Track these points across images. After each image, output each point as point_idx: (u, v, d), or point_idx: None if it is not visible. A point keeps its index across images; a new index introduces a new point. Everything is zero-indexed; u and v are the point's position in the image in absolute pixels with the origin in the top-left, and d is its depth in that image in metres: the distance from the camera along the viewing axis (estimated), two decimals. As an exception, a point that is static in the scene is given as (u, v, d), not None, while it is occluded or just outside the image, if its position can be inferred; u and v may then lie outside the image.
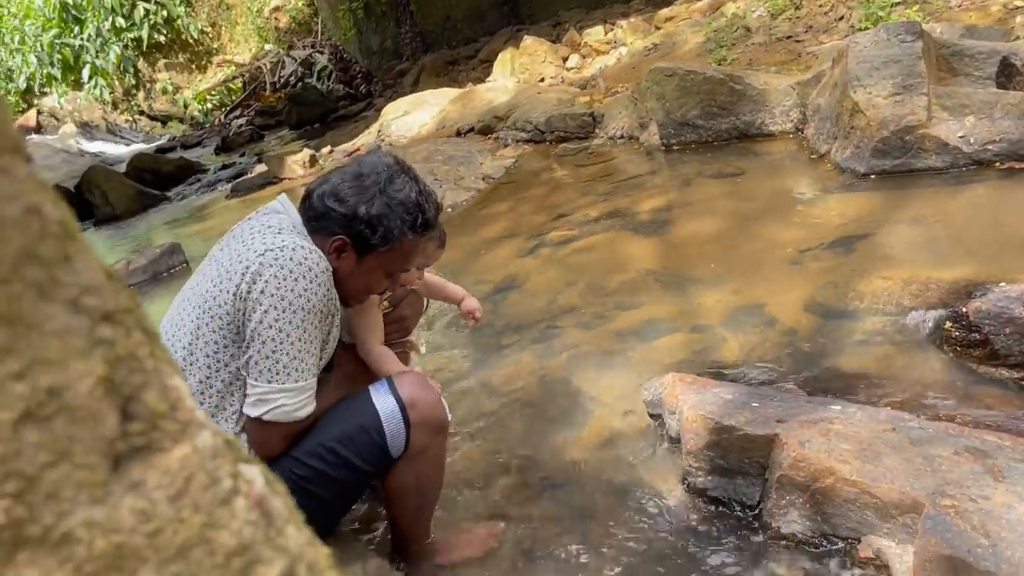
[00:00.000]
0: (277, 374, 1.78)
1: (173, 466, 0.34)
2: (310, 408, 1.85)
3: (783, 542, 1.89)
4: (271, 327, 1.75)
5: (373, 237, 1.88)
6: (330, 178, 1.94)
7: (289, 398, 1.80)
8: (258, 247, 1.79)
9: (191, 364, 1.83)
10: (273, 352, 1.77)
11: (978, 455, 1.75)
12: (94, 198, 9.93)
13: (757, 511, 2.00)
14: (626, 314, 3.35)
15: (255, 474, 0.36)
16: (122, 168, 11.61)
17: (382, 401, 1.91)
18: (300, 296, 1.76)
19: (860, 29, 5.60)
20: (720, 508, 2.07)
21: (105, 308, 0.31)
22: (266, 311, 1.75)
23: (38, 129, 21.45)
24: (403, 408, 1.89)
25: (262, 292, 1.75)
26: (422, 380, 1.98)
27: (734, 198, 4.37)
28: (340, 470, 1.88)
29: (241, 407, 1.85)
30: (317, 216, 1.90)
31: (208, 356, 1.82)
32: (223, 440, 0.36)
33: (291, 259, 1.76)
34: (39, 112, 22.14)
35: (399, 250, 1.92)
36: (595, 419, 2.67)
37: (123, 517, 0.32)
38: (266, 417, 1.80)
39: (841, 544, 1.80)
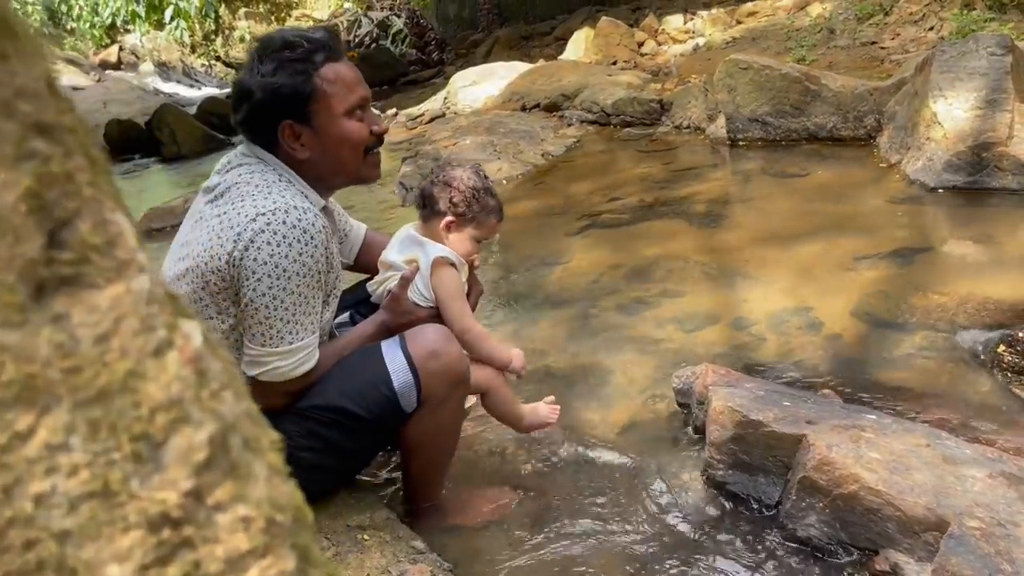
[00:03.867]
0: (271, 339, 1.76)
1: (102, 305, 0.31)
2: (308, 364, 1.83)
3: (797, 545, 1.83)
4: (264, 295, 1.71)
5: (291, 95, 1.78)
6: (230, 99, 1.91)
7: (282, 360, 1.78)
8: (249, 211, 1.72)
9: None
10: (267, 318, 1.73)
11: (1014, 481, 1.66)
12: (162, 135, 10.13)
13: (774, 511, 1.94)
14: (668, 302, 3.29)
15: (194, 330, 0.33)
16: (193, 110, 11.81)
17: (391, 356, 1.88)
18: (295, 262, 1.71)
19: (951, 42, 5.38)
20: (737, 504, 2.02)
21: (41, 119, 0.29)
22: (259, 279, 1.70)
23: (118, 65, 21.96)
24: (411, 362, 1.85)
25: (255, 260, 1.69)
26: (443, 333, 1.94)
27: (794, 199, 4.26)
28: (352, 422, 1.87)
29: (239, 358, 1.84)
30: (253, 131, 1.84)
31: (213, 319, 1.79)
32: (164, 291, 0.33)
33: (284, 223, 1.70)
34: (120, 48, 22.66)
35: (329, 86, 1.81)
36: (623, 402, 2.63)
37: (39, 347, 0.30)
38: (261, 378, 1.79)
39: (856, 554, 1.74)
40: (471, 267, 2.21)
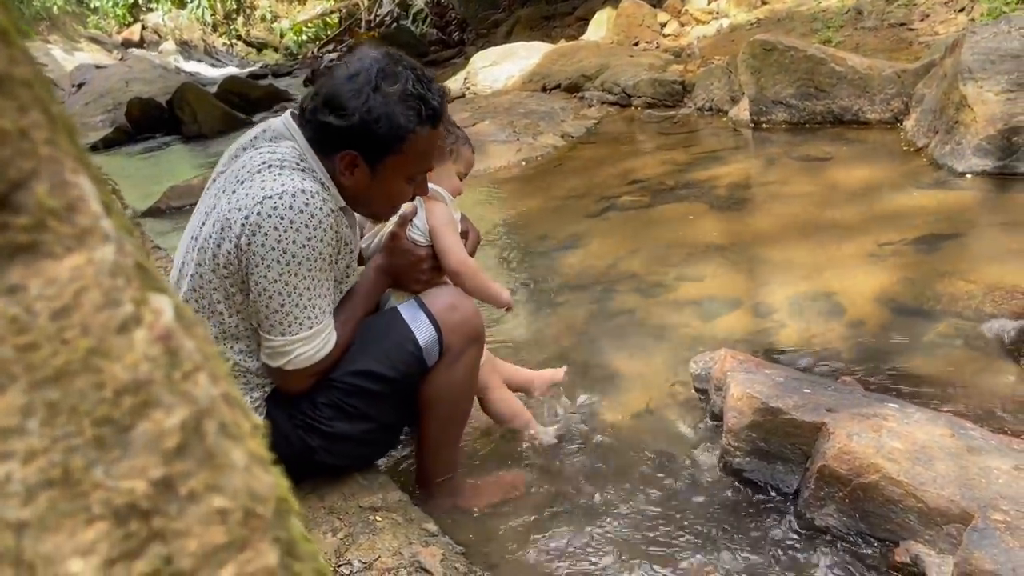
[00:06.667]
0: (289, 326, 1.74)
1: (62, 276, 0.28)
2: (330, 345, 1.82)
3: (815, 534, 1.80)
4: (275, 282, 1.68)
5: (380, 141, 1.73)
6: (321, 87, 1.78)
7: (304, 345, 1.77)
8: (256, 193, 1.67)
9: (202, 308, 1.79)
10: (281, 307, 1.71)
11: (1041, 474, 1.62)
12: (183, 114, 10.15)
13: (792, 499, 1.91)
14: (687, 286, 3.24)
15: (165, 306, 0.30)
16: (214, 89, 11.81)
17: (411, 315, 1.90)
18: (303, 247, 1.67)
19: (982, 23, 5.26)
20: (754, 492, 1.99)
21: (-11, 69, 0.26)
22: (269, 266, 1.67)
23: (140, 43, 22.05)
24: (432, 317, 1.89)
25: (262, 246, 1.66)
26: (458, 291, 1.99)
27: (818, 183, 4.18)
28: (382, 385, 1.88)
29: (257, 346, 1.83)
30: (318, 135, 1.77)
31: (220, 303, 1.77)
32: (134, 261, 0.30)
33: (291, 207, 1.65)
34: (143, 27, 22.75)
35: (412, 150, 1.77)
36: (639, 386, 2.60)
37: (-9, 323, 0.27)
38: (287, 367, 1.78)
39: (876, 545, 1.70)
40: (463, 219, 2.23)
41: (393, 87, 1.72)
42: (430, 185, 2.09)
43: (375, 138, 1.73)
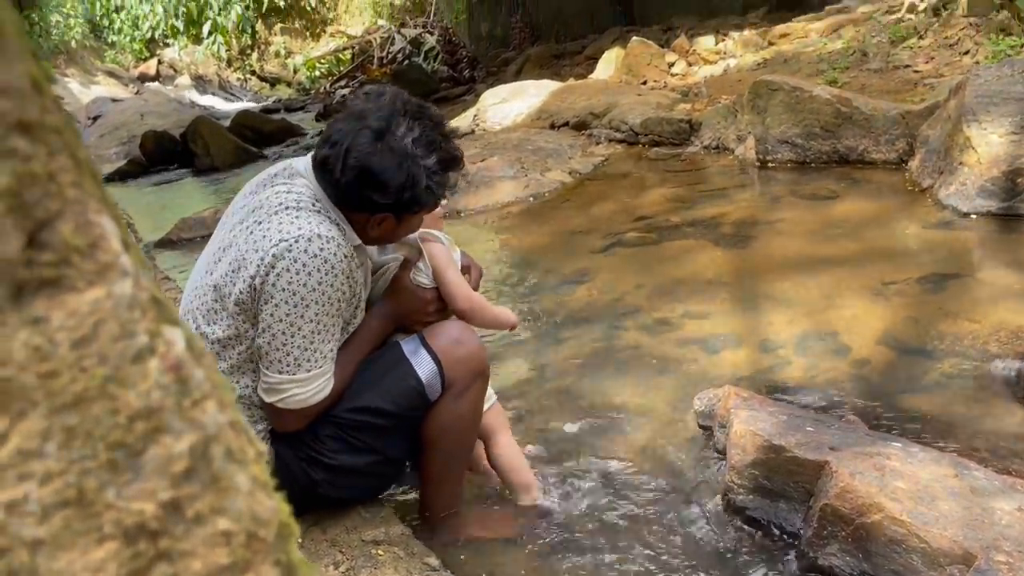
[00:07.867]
0: (288, 366, 1.77)
1: (82, 308, 0.31)
2: (325, 391, 1.84)
3: (818, 575, 1.79)
4: (282, 320, 1.73)
5: (419, 207, 1.83)
6: (344, 146, 1.73)
7: (301, 387, 1.79)
8: (274, 235, 1.72)
9: (213, 343, 1.82)
10: (284, 345, 1.75)
11: (1045, 515, 1.61)
12: (196, 148, 10.27)
13: (795, 539, 1.90)
14: (692, 323, 3.25)
15: (177, 338, 0.33)
16: (227, 123, 11.97)
17: (411, 350, 1.93)
18: (314, 291, 1.72)
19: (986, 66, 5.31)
20: (757, 530, 1.98)
21: (22, 117, 0.28)
22: (277, 305, 1.72)
23: (157, 77, 22.40)
24: (433, 353, 1.91)
25: (274, 285, 1.71)
26: (463, 326, 2.00)
27: (823, 222, 4.21)
28: (384, 419, 1.90)
29: (254, 382, 1.86)
30: (355, 201, 1.80)
31: (232, 338, 1.82)
32: (149, 295, 0.32)
33: (305, 251, 1.70)
34: (159, 62, 23.14)
35: (437, 204, 1.91)
36: (643, 422, 2.60)
37: (16, 350, 0.29)
38: (279, 405, 1.81)
39: (880, 586, 1.69)
40: (464, 255, 2.24)
41: (431, 158, 1.78)
42: (424, 229, 2.11)
43: (416, 206, 1.82)
